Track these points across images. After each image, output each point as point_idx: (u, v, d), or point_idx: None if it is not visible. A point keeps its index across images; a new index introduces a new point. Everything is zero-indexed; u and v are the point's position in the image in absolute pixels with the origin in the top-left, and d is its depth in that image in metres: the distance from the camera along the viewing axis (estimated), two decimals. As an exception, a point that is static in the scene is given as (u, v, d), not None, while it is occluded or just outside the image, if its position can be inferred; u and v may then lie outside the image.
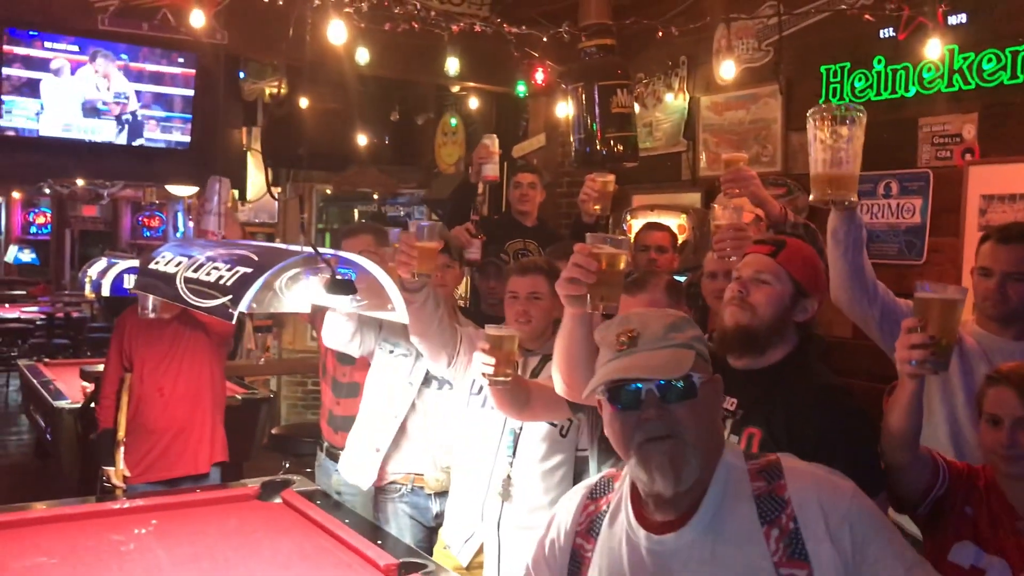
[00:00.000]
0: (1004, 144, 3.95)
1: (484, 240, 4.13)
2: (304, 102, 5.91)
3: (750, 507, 1.51)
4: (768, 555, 1.47)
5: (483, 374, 2.42)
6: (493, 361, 2.38)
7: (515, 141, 6.50)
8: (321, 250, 2.14)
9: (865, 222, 2.47)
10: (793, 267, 2.13)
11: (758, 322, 2.08)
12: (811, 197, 2.30)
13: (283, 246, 2.38)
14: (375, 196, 9.29)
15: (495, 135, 4.44)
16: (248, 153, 7.24)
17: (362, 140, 6.82)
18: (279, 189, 8.33)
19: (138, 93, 5.40)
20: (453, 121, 7.66)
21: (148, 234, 16.28)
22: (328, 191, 8.92)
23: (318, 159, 6.36)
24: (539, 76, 5.15)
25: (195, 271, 2.32)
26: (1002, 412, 2.06)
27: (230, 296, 2.05)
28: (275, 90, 7.20)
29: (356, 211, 9.47)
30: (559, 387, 2.20)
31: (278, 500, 3.23)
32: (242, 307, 1.99)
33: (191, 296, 2.25)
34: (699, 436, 1.52)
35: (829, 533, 1.47)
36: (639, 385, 1.52)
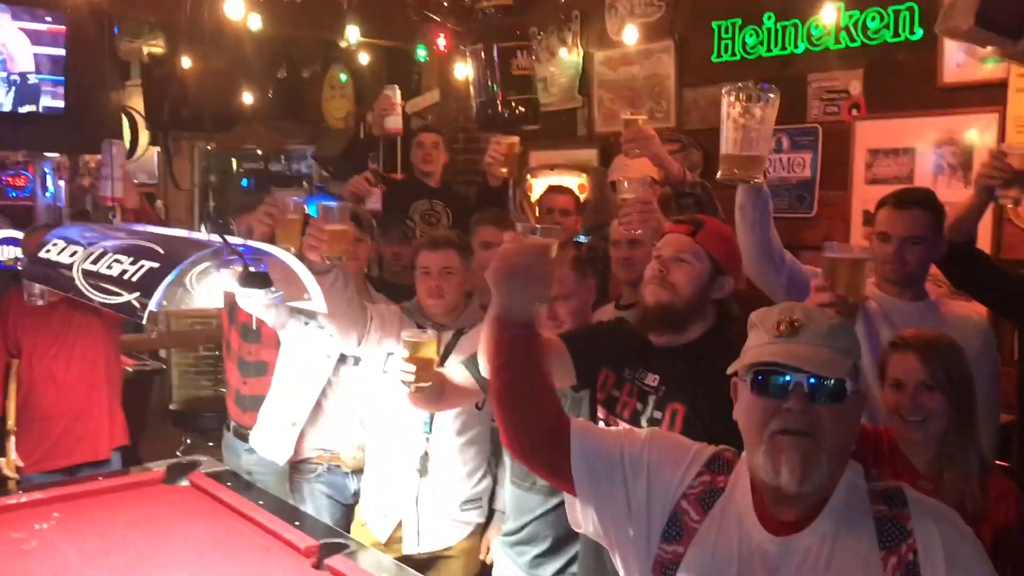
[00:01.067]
0: (888, 100, 4.08)
1: (384, 190, 4.06)
2: (187, 62, 5.64)
3: (869, 528, 1.48)
4: None
5: (403, 381, 2.36)
6: (413, 368, 2.33)
7: (408, 96, 6.35)
8: (230, 240, 2.06)
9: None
10: (712, 246, 2.18)
11: (678, 300, 2.12)
12: (718, 174, 2.35)
13: (189, 235, 2.26)
14: (259, 152, 9.02)
15: (396, 87, 4.32)
16: (127, 112, 6.88)
17: (248, 98, 6.57)
18: (158, 148, 8.00)
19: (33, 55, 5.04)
20: (343, 76, 7.43)
21: (14, 194, 15.26)
22: (210, 147, 8.60)
23: (202, 120, 6.11)
24: (441, 42, 5.04)
25: (94, 263, 2.19)
26: (905, 377, 2.16)
27: (137, 293, 1.96)
28: (153, 49, 6.84)
29: (234, 160, 9.16)
30: (486, 371, 2.19)
31: (186, 483, 3.11)
32: (152, 306, 1.90)
33: (92, 291, 2.13)
34: (835, 443, 1.48)
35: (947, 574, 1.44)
36: (790, 377, 1.47)
